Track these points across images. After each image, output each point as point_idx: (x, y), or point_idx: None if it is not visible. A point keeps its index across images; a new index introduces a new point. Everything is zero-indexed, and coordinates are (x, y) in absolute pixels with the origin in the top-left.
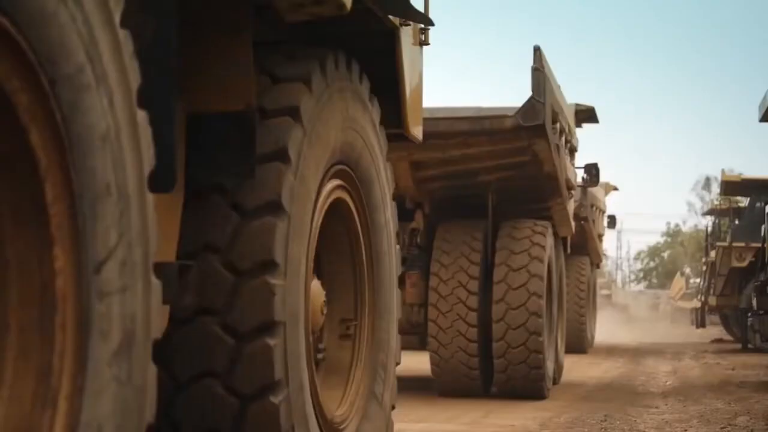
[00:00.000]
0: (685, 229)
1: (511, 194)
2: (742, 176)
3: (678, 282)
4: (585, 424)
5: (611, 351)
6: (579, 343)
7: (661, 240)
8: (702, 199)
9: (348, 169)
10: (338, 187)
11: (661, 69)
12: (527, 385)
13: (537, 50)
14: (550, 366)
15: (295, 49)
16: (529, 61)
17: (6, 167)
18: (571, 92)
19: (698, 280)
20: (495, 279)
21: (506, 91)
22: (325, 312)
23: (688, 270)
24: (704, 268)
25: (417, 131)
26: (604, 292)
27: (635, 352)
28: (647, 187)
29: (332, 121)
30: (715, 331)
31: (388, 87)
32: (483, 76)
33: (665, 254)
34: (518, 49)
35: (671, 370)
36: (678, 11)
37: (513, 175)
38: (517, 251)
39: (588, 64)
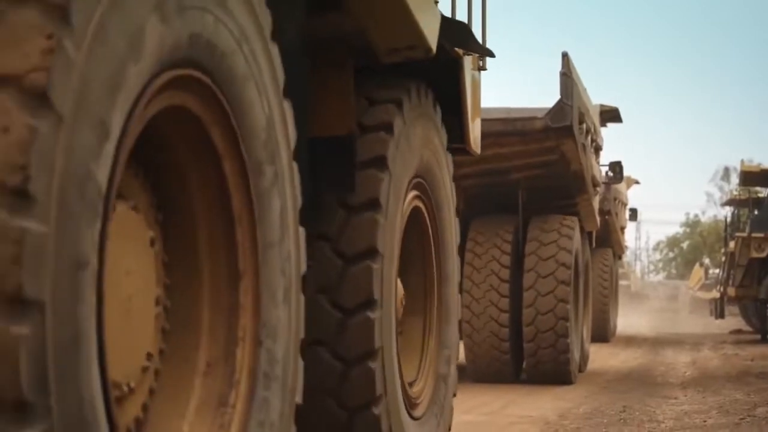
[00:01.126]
0: (704, 219)
1: (541, 191)
2: (761, 166)
3: (697, 272)
4: (604, 415)
5: (630, 341)
6: (602, 332)
7: (681, 230)
8: (721, 189)
9: (424, 182)
10: (416, 197)
11: (680, 60)
12: (555, 369)
13: (565, 56)
14: (576, 353)
15: (386, 78)
16: (545, 63)
17: (207, 185)
18: (591, 89)
19: (717, 270)
20: (525, 268)
21: (521, 90)
22: (403, 304)
23: (707, 260)
24: (723, 258)
25: (476, 146)
26: (623, 282)
27: (654, 343)
28: (666, 177)
29: (415, 140)
30: (734, 321)
31: (452, 107)
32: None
33: (684, 245)
34: (536, 50)
35: (690, 360)
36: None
37: (542, 173)
38: (546, 242)
39: (605, 58)
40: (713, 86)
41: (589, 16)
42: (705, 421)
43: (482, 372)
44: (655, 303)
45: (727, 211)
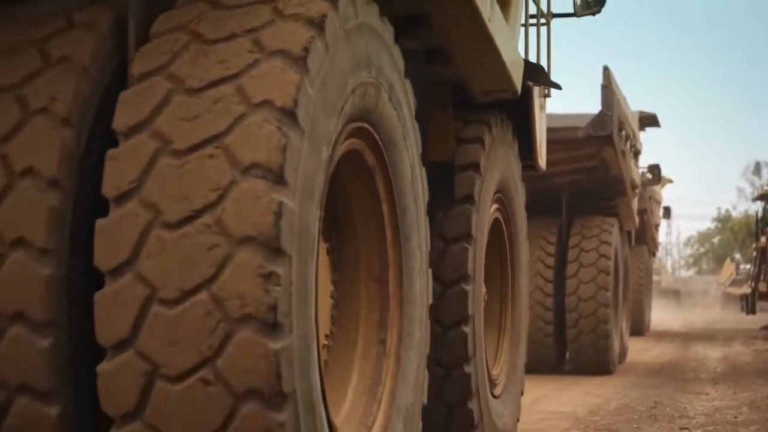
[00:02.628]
0: (735, 214)
1: (583, 194)
2: None
3: (728, 268)
4: (634, 411)
5: (661, 336)
6: (638, 326)
7: (712, 226)
8: (752, 184)
9: (503, 197)
10: (496, 210)
11: (712, 56)
12: (596, 356)
13: (606, 69)
14: (616, 343)
15: (469, 115)
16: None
17: (365, 201)
18: (624, 87)
19: (748, 265)
20: (568, 259)
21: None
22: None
23: (738, 256)
24: (754, 253)
25: (542, 162)
26: (655, 278)
27: (685, 338)
28: (697, 172)
29: (497, 165)
30: (765, 317)
31: (522, 129)
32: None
33: (715, 240)
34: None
35: (721, 356)
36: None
37: (584, 177)
38: (588, 236)
39: (638, 57)
40: (744, 82)
41: (623, 21)
42: (736, 417)
43: (529, 363)
44: (686, 298)
45: (758, 206)
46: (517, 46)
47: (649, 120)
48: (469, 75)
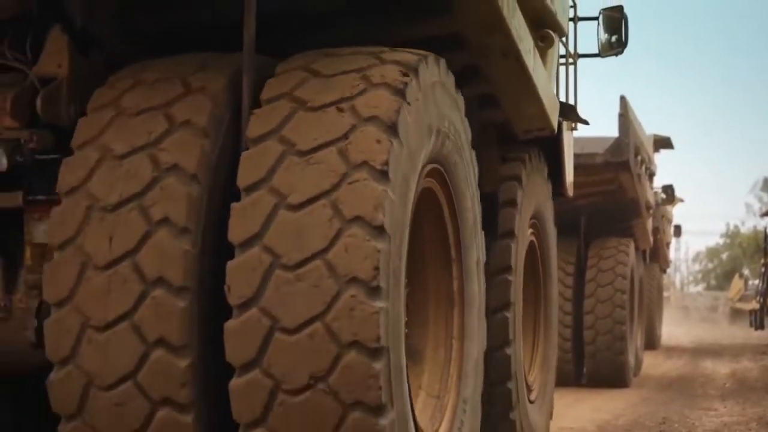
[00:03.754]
0: (743, 230)
1: (600, 216)
2: None
3: (736, 283)
4: (643, 427)
5: (670, 353)
6: (650, 340)
7: (720, 241)
8: (760, 200)
9: (537, 222)
10: (531, 233)
11: (720, 71)
12: (613, 370)
13: (623, 99)
14: (631, 357)
15: (507, 152)
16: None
17: (437, 228)
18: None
19: (757, 281)
20: (586, 279)
21: None
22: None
23: (746, 271)
24: (763, 269)
25: (570, 190)
26: (663, 294)
27: (693, 354)
28: (706, 188)
29: (533, 196)
30: None
31: (552, 159)
32: None
33: (724, 256)
34: None
35: (730, 372)
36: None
37: (601, 200)
38: (605, 257)
39: (645, 71)
40: (753, 98)
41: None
42: None
43: None
44: (695, 314)
45: (766, 222)
46: (553, 89)
47: (663, 143)
48: (513, 117)
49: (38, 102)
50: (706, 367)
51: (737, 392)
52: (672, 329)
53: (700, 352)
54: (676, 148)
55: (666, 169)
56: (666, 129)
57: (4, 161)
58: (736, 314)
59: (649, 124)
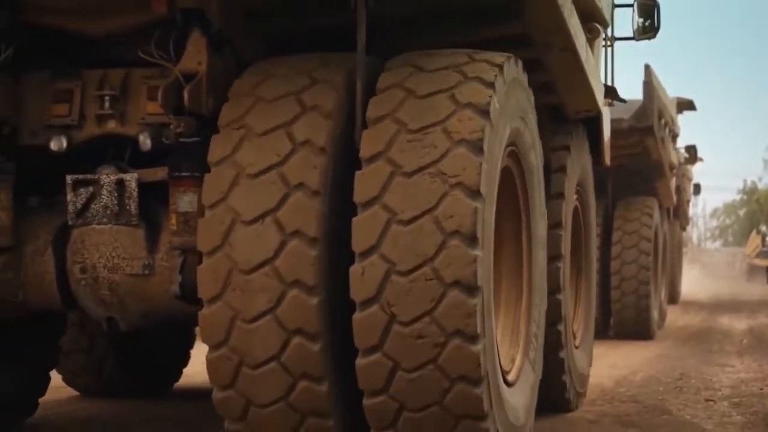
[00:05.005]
0: (761, 186)
1: (626, 177)
2: None
3: (754, 240)
4: (660, 383)
5: (687, 308)
6: (671, 295)
7: (737, 197)
8: None
9: (581, 189)
10: (576, 199)
11: (736, 26)
12: (637, 326)
13: (647, 67)
14: (655, 312)
15: (557, 127)
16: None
17: (512, 198)
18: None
19: None
20: (613, 241)
21: None
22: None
23: (764, 228)
24: None
25: (607, 160)
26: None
27: (711, 310)
28: (723, 144)
29: (578, 165)
30: None
31: (592, 133)
32: None
33: (741, 212)
34: None
35: (747, 328)
36: None
37: (627, 162)
38: (630, 219)
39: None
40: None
41: None
42: (762, 389)
43: None
44: (712, 270)
45: None
46: (599, 74)
47: (685, 105)
48: (566, 101)
49: (185, 94)
50: (723, 324)
51: (754, 348)
52: (688, 285)
53: (716, 308)
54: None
55: (684, 125)
56: (684, 84)
57: (149, 142)
58: (753, 270)
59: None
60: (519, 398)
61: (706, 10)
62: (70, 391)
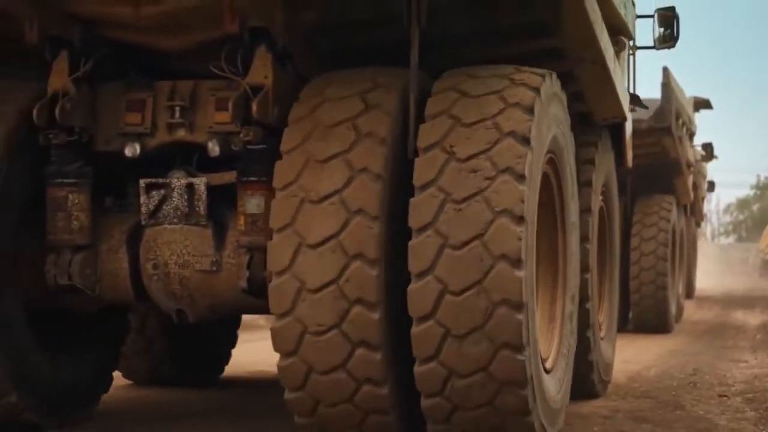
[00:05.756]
0: None
1: (645, 175)
2: None
3: (767, 235)
4: (674, 378)
5: (701, 304)
6: (687, 290)
7: (751, 193)
8: None
9: (606, 189)
10: (602, 199)
11: (750, 23)
12: (656, 317)
13: (665, 70)
14: (673, 305)
15: (586, 128)
16: None
17: (549, 198)
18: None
19: None
20: (632, 233)
21: None
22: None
23: None
24: None
25: (629, 162)
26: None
27: (724, 305)
28: (736, 140)
29: (603, 165)
30: None
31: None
32: None
33: (755, 207)
34: None
35: (761, 323)
36: None
37: (646, 161)
38: (649, 213)
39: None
40: None
41: None
42: None
43: None
44: (726, 266)
45: None
46: (624, 83)
47: (702, 104)
48: (595, 109)
49: (253, 106)
50: (737, 319)
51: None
52: (702, 281)
53: (730, 304)
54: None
55: (699, 121)
56: (698, 79)
57: (217, 149)
58: (766, 265)
59: (684, 77)
60: (556, 385)
61: (715, 11)
62: (123, 381)
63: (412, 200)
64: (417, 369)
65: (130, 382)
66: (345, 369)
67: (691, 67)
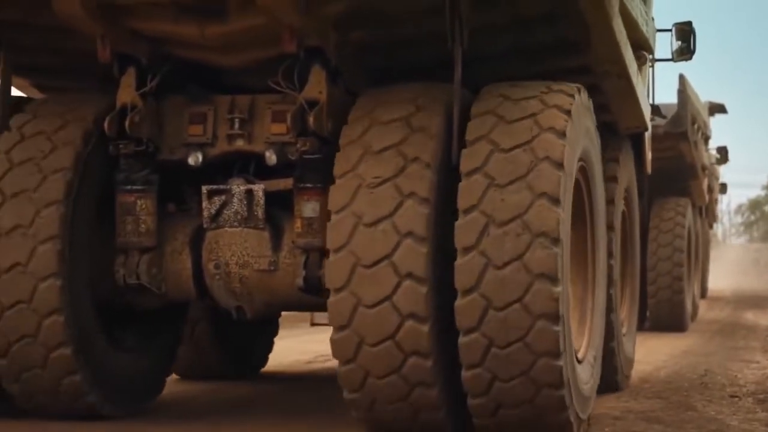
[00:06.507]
0: None
1: (661, 178)
2: None
3: None
4: (685, 379)
5: (712, 305)
6: (701, 289)
7: (762, 193)
8: None
9: (627, 195)
10: (623, 204)
11: (760, 25)
12: (672, 319)
13: (682, 77)
14: (689, 306)
15: (609, 140)
16: None
17: (580, 205)
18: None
19: None
20: (649, 239)
21: None
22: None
23: None
24: None
25: (649, 168)
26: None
27: (736, 306)
28: (748, 140)
29: (625, 174)
30: None
31: (636, 144)
32: None
33: (766, 207)
34: None
35: None
36: None
37: (663, 165)
38: (665, 218)
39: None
40: None
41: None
42: None
43: None
44: (737, 266)
45: None
46: (646, 95)
47: (717, 108)
48: (619, 119)
49: (309, 118)
50: (747, 319)
51: None
52: (713, 281)
53: (741, 304)
54: (720, 100)
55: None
56: (709, 80)
57: (274, 158)
58: None
59: (696, 78)
60: (586, 374)
61: (724, 16)
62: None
63: (457, 223)
64: (464, 373)
65: (175, 376)
66: (399, 374)
67: (703, 69)
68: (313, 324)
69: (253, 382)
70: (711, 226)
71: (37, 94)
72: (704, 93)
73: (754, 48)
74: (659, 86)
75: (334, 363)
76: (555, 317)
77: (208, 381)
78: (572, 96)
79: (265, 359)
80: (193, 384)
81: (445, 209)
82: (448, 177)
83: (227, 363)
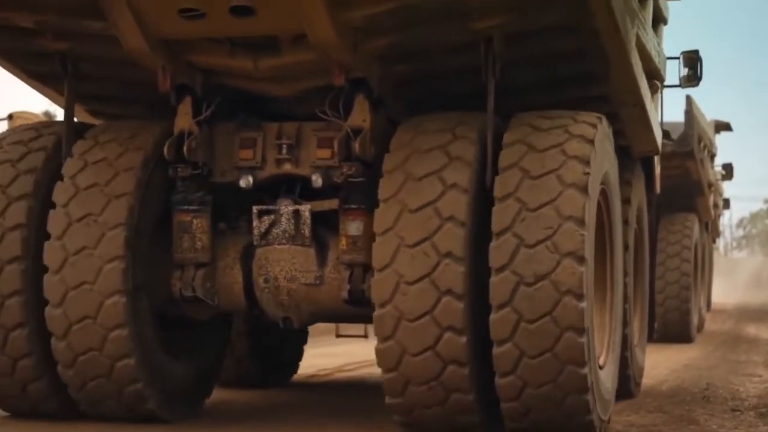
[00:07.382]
0: None
1: (669, 195)
2: None
3: None
4: (687, 392)
5: (714, 318)
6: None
7: (764, 207)
8: None
9: (639, 215)
10: (636, 224)
11: (758, 35)
12: (679, 329)
13: (688, 98)
14: (695, 317)
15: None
16: None
17: (600, 225)
18: None
19: None
20: (658, 250)
21: None
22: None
23: None
24: None
25: (659, 188)
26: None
27: (738, 320)
28: (749, 154)
29: (638, 190)
30: None
31: (645, 165)
32: None
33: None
34: None
35: None
36: None
37: (669, 183)
38: (673, 231)
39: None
40: None
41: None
42: None
43: None
44: (738, 280)
45: None
46: (658, 121)
47: (723, 126)
48: (633, 144)
49: (354, 145)
50: (749, 333)
51: None
52: (714, 295)
53: (743, 318)
54: (721, 115)
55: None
56: (711, 93)
57: (320, 181)
58: None
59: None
60: (607, 379)
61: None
62: None
63: (491, 244)
64: (498, 380)
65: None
66: (438, 381)
67: (705, 84)
68: (338, 335)
69: (283, 389)
70: (714, 241)
71: (88, 118)
72: (704, 105)
73: (755, 59)
74: (666, 104)
75: (333, 377)
76: (581, 330)
77: (244, 388)
78: (594, 126)
79: (297, 367)
80: (231, 391)
81: (480, 231)
82: (483, 201)
83: (262, 370)
